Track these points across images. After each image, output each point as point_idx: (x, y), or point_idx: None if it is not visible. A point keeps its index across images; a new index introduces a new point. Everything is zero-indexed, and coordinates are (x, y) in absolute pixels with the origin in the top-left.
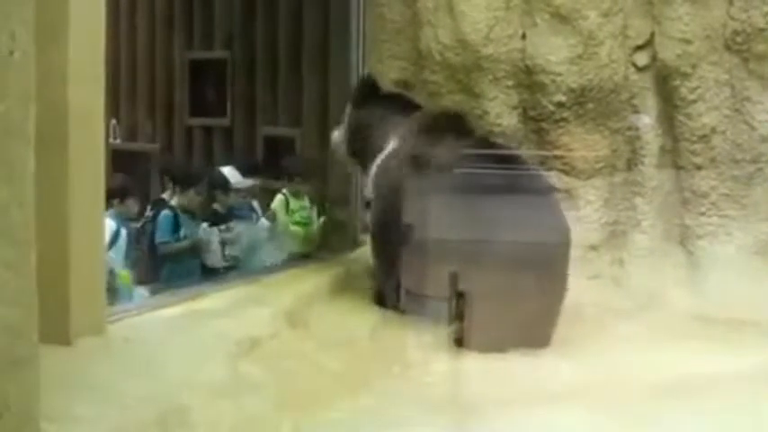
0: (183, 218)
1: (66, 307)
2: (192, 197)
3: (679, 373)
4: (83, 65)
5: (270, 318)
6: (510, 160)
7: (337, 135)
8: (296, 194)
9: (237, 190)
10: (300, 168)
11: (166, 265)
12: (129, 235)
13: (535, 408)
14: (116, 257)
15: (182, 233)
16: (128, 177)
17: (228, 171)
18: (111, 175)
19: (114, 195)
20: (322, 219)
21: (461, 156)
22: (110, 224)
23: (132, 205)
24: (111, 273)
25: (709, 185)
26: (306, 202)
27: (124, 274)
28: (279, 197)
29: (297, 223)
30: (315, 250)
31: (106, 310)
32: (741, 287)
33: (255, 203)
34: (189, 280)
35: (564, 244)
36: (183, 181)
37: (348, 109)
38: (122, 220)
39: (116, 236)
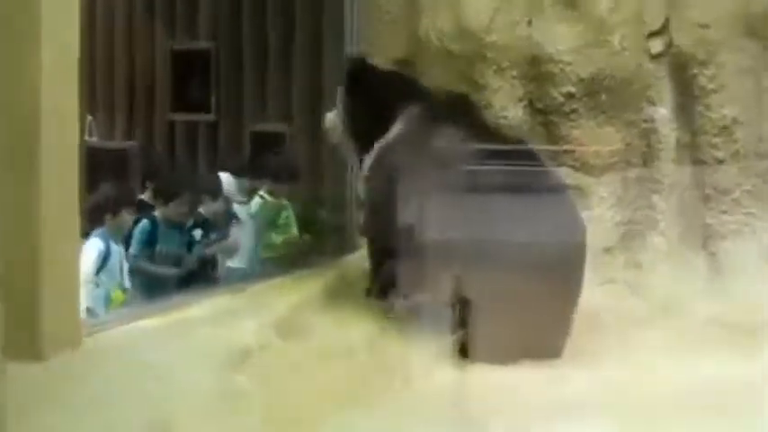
0: (163, 230)
1: (38, 320)
2: (176, 209)
3: (702, 383)
4: (55, 59)
5: (259, 328)
6: (520, 154)
7: (331, 117)
8: (275, 195)
9: (227, 199)
10: (288, 167)
11: (136, 281)
12: (139, 249)
13: (549, 423)
14: (108, 279)
15: (158, 248)
16: (119, 185)
17: (227, 180)
18: (99, 187)
19: (106, 210)
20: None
21: (467, 148)
22: (97, 245)
23: (128, 217)
24: (106, 294)
25: (731, 181)
26: (285, 202)
27: (118, 294)
28: (256, 199)
29: (277, 227)
30: (303, 255)
31: (82, 322)
32: (767, 291)
33: (239, 207)
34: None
35: (578, 244)
36: (167, 190)
37: (340, 94)
38: (115, 236)
39: (106, 257)
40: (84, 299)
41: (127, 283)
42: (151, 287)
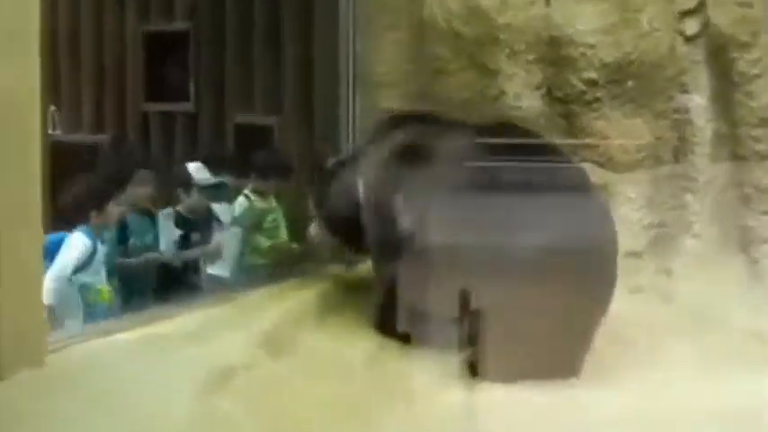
0: (132, 223)
1: None
2: (138, 192)
3: (740, 403)
4: (12, 40)
5: (246, 344)
6: (534, 147)
7: (313, 227)
8: (261, 194)
9: (201, 188)
10: (276, 164)
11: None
12: (112, 247)
13: None
14: (89, 279)
15: (131, 242)
16: (101, 177)
17: (194, 167)
18: (81, 180)
19: (89, 205)
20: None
21: (462, 145)
22: (83, 240)
23: (113, 211)
24: (89, 288)
25: None
26: (273, 203)
27: (105, 290)
28: (240, 200)
29: (263, 229)
30: (287, 260)
31: (46, 337)
32: None
33: (221, 206)
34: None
35: (605, 250)
36: (120, 175)
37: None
38: (102, 235)
39: (91, 255)
40: (50, 296)
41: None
42: (134, 284)
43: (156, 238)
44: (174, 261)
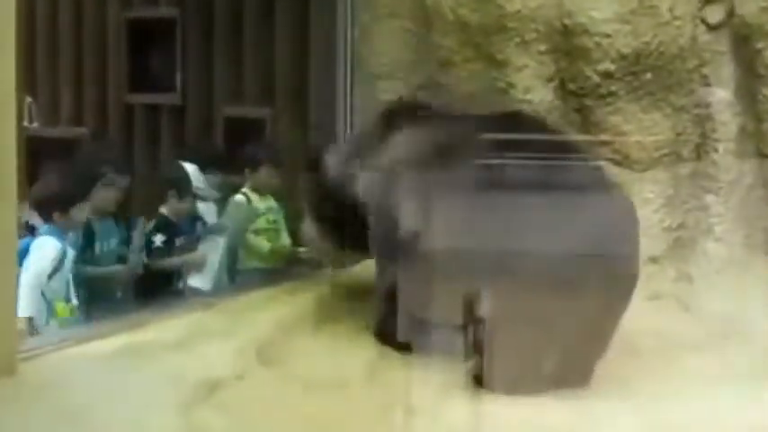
0: (98, 225)
1: None
2: (104, 196)
3: (763, 420)
4: None
5: (236, 353)
6: (550, 143)
7: (308, 223)
8: (260, 192)
9: (196, 196)
10: (270, 158)
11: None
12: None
13: None
14: (58, 286)
15: (97, 248)
16: (67, 176)
17: (193, 171)
18: (44, 178)
19: (54, 205)
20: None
21: (479, 140)
22: (54, 244)
23: (79, 214)
24: (49, 305)
25: None
26: (273, 203)
27: (62, 307)
28: (237, 198)
29: (262, 231)
30: (289, 264)
31: (18, 345)
32: None
33: (206, 206)
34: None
35: (625, 256)
36: (92, 175)
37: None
38: (66, 235)
39: (62, 259)
40: (28, 307)
41: (73, 298)
42: (98, 295)
43: (122, 243)
44: (138, 263)
